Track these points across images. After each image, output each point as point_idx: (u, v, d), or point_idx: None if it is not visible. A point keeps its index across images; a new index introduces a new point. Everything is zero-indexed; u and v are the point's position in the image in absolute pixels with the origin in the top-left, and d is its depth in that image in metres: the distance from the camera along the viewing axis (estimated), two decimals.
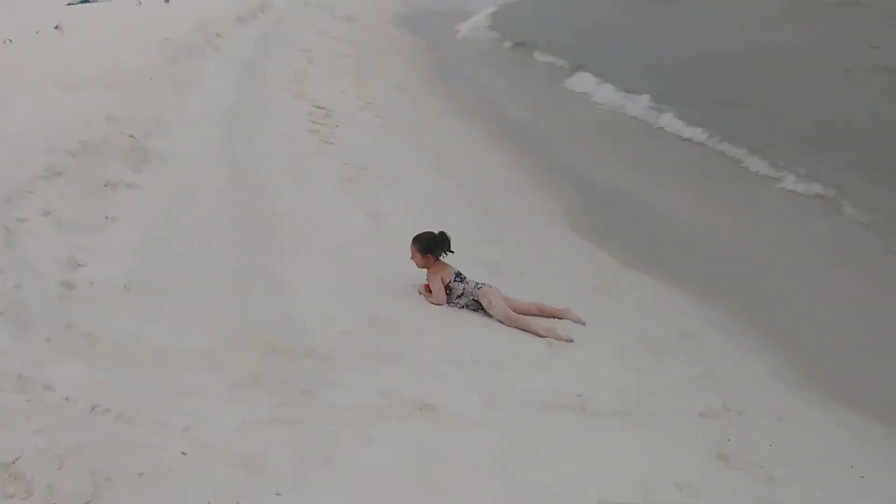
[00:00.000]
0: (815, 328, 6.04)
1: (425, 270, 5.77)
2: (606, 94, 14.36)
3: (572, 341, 5.34)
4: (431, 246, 5.69)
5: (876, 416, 4.83)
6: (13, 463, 2.93)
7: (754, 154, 10.27)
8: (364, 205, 7.62)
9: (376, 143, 10.23)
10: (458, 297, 5.63)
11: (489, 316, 5.55)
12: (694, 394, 4.86)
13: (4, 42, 12.34)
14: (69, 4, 24.27)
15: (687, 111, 12.36)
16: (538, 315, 5.61)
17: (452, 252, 5.75)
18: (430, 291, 5.69)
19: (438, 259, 5.72)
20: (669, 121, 12.21)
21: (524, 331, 5.39)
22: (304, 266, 5.90)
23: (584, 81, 15.45)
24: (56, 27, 14.09)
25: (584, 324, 5.64)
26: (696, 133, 11.43)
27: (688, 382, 5.02)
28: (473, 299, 5.59)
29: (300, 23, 21.89)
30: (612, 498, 3.65)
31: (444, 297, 5.62)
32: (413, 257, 5.75)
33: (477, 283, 5.66)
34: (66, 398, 3.47)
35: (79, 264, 4.87)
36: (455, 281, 5.64)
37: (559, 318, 5.64)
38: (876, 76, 13.73)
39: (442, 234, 5.72)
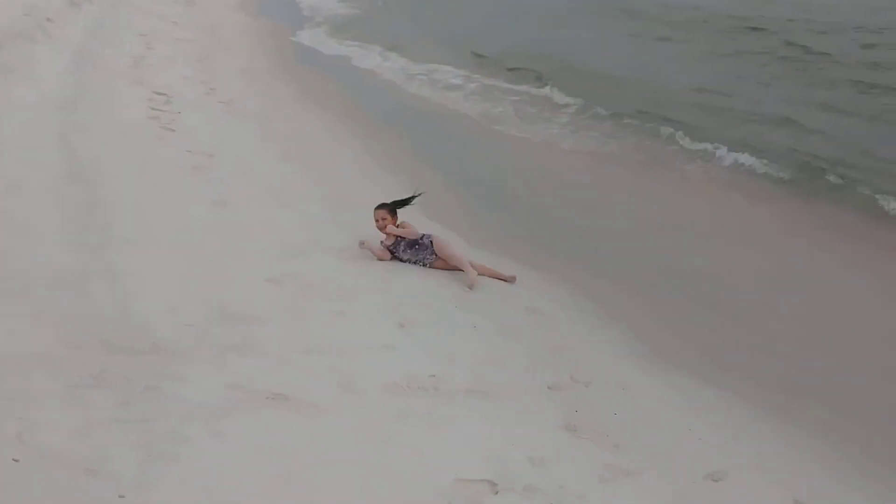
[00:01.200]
0: (655, 302, 6.35)
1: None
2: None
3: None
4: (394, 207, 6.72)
5: (709, 382, 5.13)
6: None
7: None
8: (210, 193, 7.38)
9: (221, 129, 9.93)
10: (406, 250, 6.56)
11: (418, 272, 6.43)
12: (543, 369, 5.00)
13: None
14: None
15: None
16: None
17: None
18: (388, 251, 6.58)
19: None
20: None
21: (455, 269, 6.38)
22: (146, 258, 5.65)
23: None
24: None
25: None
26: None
27: (537, 358, 5.16)
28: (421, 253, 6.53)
29: (138, 7, 20.89)
30: (467, 475, 3.70)
31: (415, 231, 6.59)
32: (382, 222, 6.59)
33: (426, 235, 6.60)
34: None
35: None
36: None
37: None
38: None
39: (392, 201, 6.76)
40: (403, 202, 6.79)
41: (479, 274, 6.36)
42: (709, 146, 10.20)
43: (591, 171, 9.93)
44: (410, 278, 6.29)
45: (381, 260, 6.53)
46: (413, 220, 6.83)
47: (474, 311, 5.77)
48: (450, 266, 6.47)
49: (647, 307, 6.23)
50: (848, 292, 6.66)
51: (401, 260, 6.59)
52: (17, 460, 3.10)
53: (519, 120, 12.16)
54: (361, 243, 6.60)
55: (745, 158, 9.73)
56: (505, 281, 6.42)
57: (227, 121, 10.39)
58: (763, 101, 12.63)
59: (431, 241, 6.55)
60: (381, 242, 6.63)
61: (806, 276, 6.97)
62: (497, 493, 3.63)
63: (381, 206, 6.70)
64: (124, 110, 9.71)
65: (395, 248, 6.60)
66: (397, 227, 6.65)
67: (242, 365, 4.36)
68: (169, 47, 15.42)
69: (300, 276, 5.83)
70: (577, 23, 20.35)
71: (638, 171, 9.89)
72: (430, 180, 8.69)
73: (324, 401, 4.12)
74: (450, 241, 6.68)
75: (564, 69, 14.91)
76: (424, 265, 6.54)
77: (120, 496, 3.04)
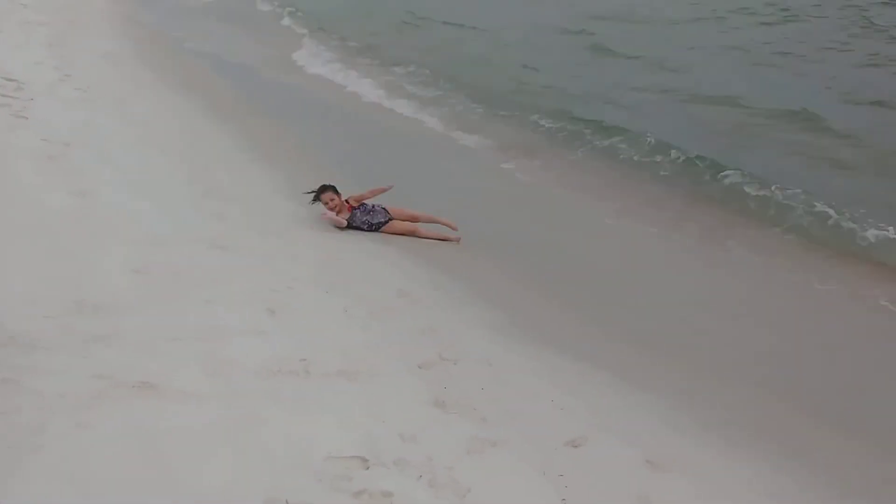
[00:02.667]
0: (519, 280, 6.61)
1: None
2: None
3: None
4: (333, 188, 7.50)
5: (568, 354, 5.41)
6: None
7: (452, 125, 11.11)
8: (68, 183, 7.10)
9: (79, 117, 9.53)
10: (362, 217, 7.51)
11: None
12: (413, 348, 5.13)
13: None
14: None
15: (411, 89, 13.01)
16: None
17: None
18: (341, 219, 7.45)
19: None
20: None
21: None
22: (1, 250, 5.41)
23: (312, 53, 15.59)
24: None
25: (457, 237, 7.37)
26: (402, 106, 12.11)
27: (407, 338, 5.28)
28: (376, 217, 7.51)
29: None
30: (338, 453, 3.78)
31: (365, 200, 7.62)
32: (331, 203, 7.41)
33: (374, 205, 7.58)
34: None
35: None
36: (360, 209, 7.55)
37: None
38: None
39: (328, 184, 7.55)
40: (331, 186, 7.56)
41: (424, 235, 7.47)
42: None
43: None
44: (280, 265, 6.28)
45: (339, 228, 7.42)
46: (282, 205, 6.84)
47: (346, 296, 5.84)
48: (400, 230, 7.47)
49: (511, 285, 6.48)
50: (695, 269, 7.16)
51: (356, 227, 7.49)
52: None
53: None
54: (323, 214, 7.43)
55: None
56: (449, 240, 7.39)
57: (84, 108, 9.99)
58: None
59: (384, 208, 7.52)
60: (338, 215, 7.46)
61: (657, 256, 7.45)
62: (368, 468, 3.72)
63: (326, 189, 7.48)
64: None
65: (351, 219, 7.50)
66: (348, 200, 7.57)
67: (107, 355, 4.26)
68: (18, 30, 14.64)
69: (165, 265, 5.72)
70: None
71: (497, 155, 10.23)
72: (295, 164, 8.71)
73: (191, 387, 4.10)
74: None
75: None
76: (376, 230, 7.49)
77: None
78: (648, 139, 9.93)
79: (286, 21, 19.84)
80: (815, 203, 7.95)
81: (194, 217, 6.95)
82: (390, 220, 7.54)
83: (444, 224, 7.46)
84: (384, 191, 7.70)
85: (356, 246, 7.12)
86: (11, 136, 8.19)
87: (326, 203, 7.45)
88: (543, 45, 15.57)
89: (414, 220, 7.56)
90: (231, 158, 9.12)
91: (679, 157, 9.38)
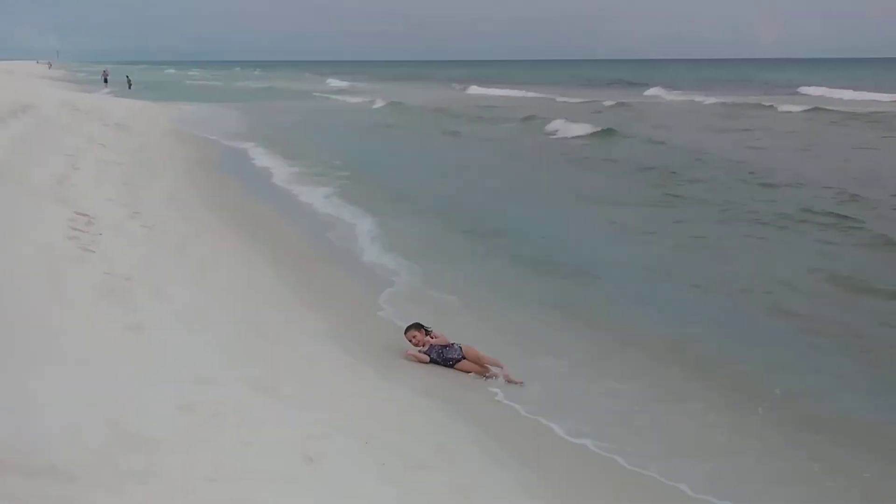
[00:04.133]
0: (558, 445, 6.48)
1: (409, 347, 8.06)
2: None
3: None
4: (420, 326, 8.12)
5: None
6: None
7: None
8: (124, 316, 7.31)
9: (141, 253, 9.91)
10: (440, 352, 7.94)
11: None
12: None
13: None
14: None
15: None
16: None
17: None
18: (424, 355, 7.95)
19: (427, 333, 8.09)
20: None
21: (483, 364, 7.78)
22: (52, 378, 5.53)
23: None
24: None
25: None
26: None
27: (441, 497, 5.18)
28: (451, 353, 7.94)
29: (67, 127, 21.09)
30: None
31: (445, 338, 8.04)
32: (415, 339, 8.01)
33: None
34: None
35: None
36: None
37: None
38: None
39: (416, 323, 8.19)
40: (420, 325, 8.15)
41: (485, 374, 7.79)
42: None
43: None
44: (320, 411, 6.28)
45: (421, 362, 7.91)
46: (325, 351, 6.88)
47: (383, 448, 5.79)
48: (470, 368, 7.84)
49: (547, 446, 6.37)
50: None
51: (433, 361, 7.93)
52: None
53: None
54: (408, 352, 7.99)
55: None
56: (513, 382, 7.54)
57: (147, 245, 10.39)
58: None
59: (460, 346, 7.94)
60: (419, 351, 7.99)
61: None
62: None
63: (412, 328, 8.11)
64: (43, 229, 9.66)
65: (429, 352, 7.96)
66: (432, 338, 8.04)
67: (142, 493, 4.26)
68: (95, 168, 15.51)
69: (209, 403, 5.78)
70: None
71: None
72: (345, 310, 8.84)
73: None
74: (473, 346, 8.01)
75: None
76: (450, 365, 7.90)
77: None
78: None
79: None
80: None
81: (241, 357, 7.04)
82: (462, 358, 7.90)
83: (507, 378, 7.58)
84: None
85: (397, 396, 7.10)
86: (77, 268, 8.53)
87: (410, 340, 8.03)
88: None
89: (481, 362, 7.85)
90: (282, 301, 9.30)
91: None
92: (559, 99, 50.83)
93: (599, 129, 27.63)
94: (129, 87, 61.52)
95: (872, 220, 13.71)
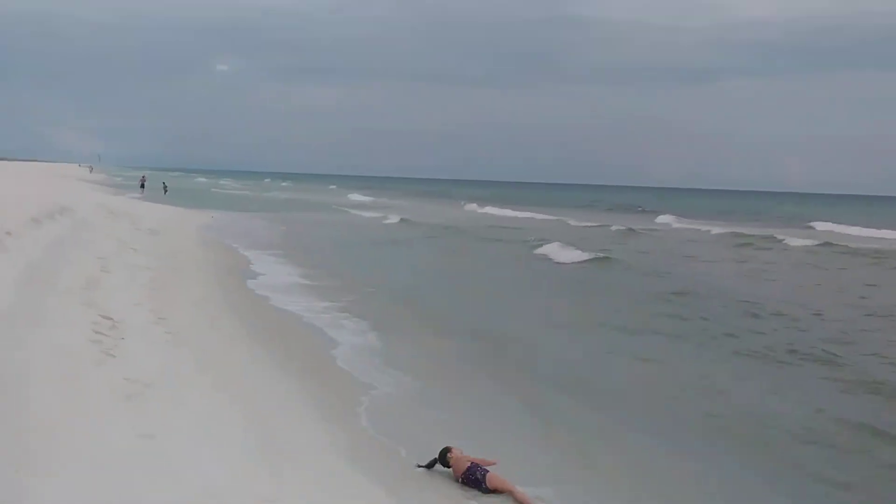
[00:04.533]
0: None
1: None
2: None
3: None
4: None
5: None
6: None
7: None
8: (139, 424, 7.25)
9: (162, 359, 9.90)
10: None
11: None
12: None
13: None
14: None
15: None
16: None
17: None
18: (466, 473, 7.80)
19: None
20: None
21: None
22: (61, 486, 5.46)
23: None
24: None
25: None
26: None
27: None
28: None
29: (101, 230, 21.54)
30: None
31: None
32: (455, 461, 7.90)
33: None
34: None
35: None
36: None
37: None
38: None
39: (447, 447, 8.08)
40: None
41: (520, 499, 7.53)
42: None
43: None
44: None
45: (505, 489, 7.62)
46: (339, 468, 6.70)
47: None
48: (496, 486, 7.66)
49: None
50: None
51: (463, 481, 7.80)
52: None
53: None
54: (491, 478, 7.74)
55: None
56: None
57: (169, 351, 10.39)
58: None
59: (486, 469, 7.78)
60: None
61: None
62: None
63: (447, 451, 8.00)
64: (67, 330, 9.73)
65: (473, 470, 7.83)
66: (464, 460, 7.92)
67: None
68: (124, 272, 15.71)
69: None
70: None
71: None
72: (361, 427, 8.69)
73: None
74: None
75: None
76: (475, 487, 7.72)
77: None
78: None
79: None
80: None
81: (251, 472, 6.91)
82: (486, 473, 7.72)
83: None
84: (491, 463, 7.95)
85: None
86: (97, 372, 8.53)
87: (454, 461, 7.91)
88: None
89: (506, 489, 7.66)
90: (299, 414, 9.17)
91: None
92: (572, 222, 51.59)
93: (595, 255, 27.19)
94: (165, 193, 63.09)
95: (861, 361, 13.29)
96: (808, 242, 37.30)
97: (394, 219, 45.80)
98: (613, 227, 45.70)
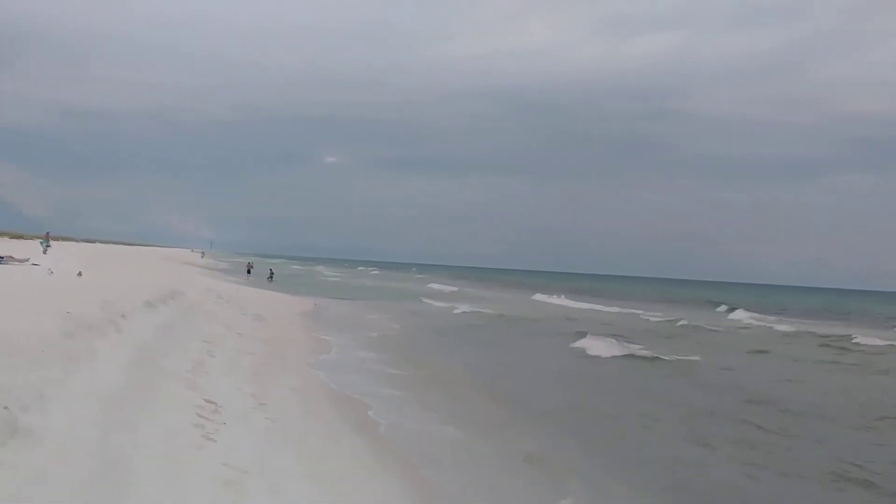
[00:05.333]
0: None
1: None
2: None
3: None
4: None
5: None
6: None
7: None
8: None
9: (262, 446, 9.93)
10: None
11: None
12: None
13: None
14: None
15: None
16: None
17: None
18: None
19: None
20: None
21: None
22: None
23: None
24: None
25: None
26: None
27: None
28: None
29: (208, 315, 22.19)
30: None
31: None
32: None
33: None
34: None
35: None
36: None
37: None
38: None
39: None
40: None
41: None
42: None
43: None
44: None
45: None
46: None
47: None
48: None
49: None
50: None
51: None
52: None
53: None
54: None
55: None
56: None
57: (268, 438, 10.44)
58: None
59: None
60: None
61: None
62: None
63: None
64: (171, 414, 9.91)
65: None
66: None
67: None
68: (229, 357, 16.06)
69: None
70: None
71: None
72: None
73: None
74: None
75: None
76: None
77: None
78: None
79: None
80: None
81: None
82: None
83: None
84: None
85: None
86: (197, 456, 8.61)
87: None
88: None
89: None
90: None
91: None
92: (642, 315, 51.05)
93: (631, 352, 26.27)
94: (270, 280, 64.98)
95: None
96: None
97: (462, 309, 46.50)
98: (681, 322, 44.22)
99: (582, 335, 29.97)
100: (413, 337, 29.34)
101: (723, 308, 66.26)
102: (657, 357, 25.58)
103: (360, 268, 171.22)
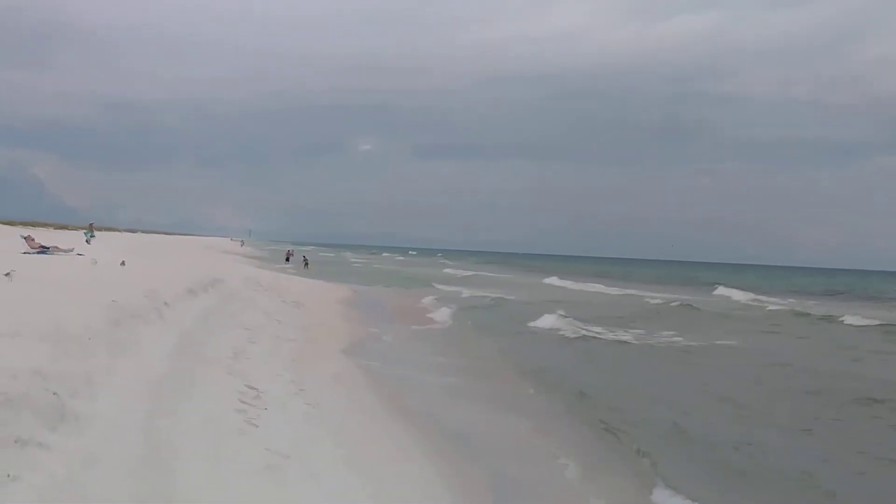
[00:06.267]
0: None
1: None
2: None
3: None
4: None
5: None
6: None
7: None
8: (277, 496, 7.41)
9: (302, 431, 10.12)
10: None
11: None
12: None
13: None
14: (25, 253, 24.85)
15: None
16: None
17: None
18: None
19: None
20: None
21: None
22: None
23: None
24: (6, 274, 14.28)
25: None
26: None
27: None
28: None
29: (248, 302, 22.49)
30: None
31: None
32: None
33: None
34: None
35: None
36: None
37: None
38: None
39: None
40: None
41: None
42: None
43: None
44: None
45: None
46: None
47: None
48: None
49: None
50: None
51: None
52: None
53: None
54: None
55: None
56: None
57: (308, 424, 10.62)
58: None
59: None
60: None
61: None
62: None
63: None
64: (214, 400, 10.12)
65: None
66: None
67: None
68: (269, 343, 16.31)
69: None
70: None
71: None
72: None
73: None
74: None
75: None
76: None
77: None
78: None
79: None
80: None
81: None
82: None
83: None
84: None
85: None
86: (240, 441, 8.81)
87: None
88: None
89: None
90: (432, 496, 9.11)
91: None
92: (638, 295, 52.43)
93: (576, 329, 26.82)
94: (306, 267, 65.59)
95: None
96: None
97: (469, 293, 46.10)
98: (673, 303, 43.40)
99: (548, 313, 30.43)
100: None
101: (721, 289, 65.70)
102: (595, 336, 26.01)
103: (385, 254, 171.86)
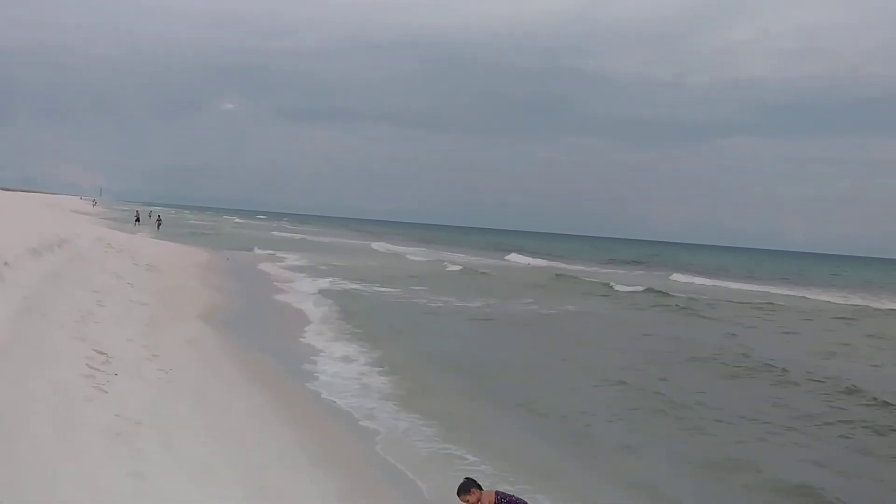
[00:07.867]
0: None
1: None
2: None
3: None
4: (473, 484, 6.95)
5: None
6: None
7: None
8: (128, 464, 7.19)
9: (155, 397, 9.84)
10: None
11: None
12: None
13: None
14: None
15: None
16: None
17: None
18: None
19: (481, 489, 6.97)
20: None
21: None
22: None
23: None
24: None
25: None
26: None
27: None
28: None
29: (98, 264, 21.51)
30: None
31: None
32: (471, 498, 6.86)
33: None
34: None
35: None
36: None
37: None
38: None
39: (467, 478, 7.08)
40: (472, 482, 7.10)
41: None
42: None
43: None
44: None
45: None
46: None
47: None
48: None
49: None
50: None
51: None
52: None
53: None
54: None
55: None
56: None
57: (161, 389, 10.33)
58: None
59: (526, 501, 7.11)
60: None
61: None
62: None
63: (469, 486, 6.97)
64: (60, 365, 9.68)
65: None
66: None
67: None
68: (120, 307, 15.67)
69: None
70: None
71: None
72: (351, 472, 8.58)
73: None
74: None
75: None
76: None
77: None
78: None
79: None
80: None
81: None
82: None
83: None
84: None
85: None
86: (87, 408, 8.47)
87: (466, 500, 7.01)
88: None
89: None
90: (290, 459, 9.07)
91: None
92: (437, 260, 53.30)
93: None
94: (158, 228, 63.03)
95: None
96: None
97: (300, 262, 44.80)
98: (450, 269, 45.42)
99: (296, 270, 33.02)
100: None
101: (512, 255, 69.81)
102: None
103: (229, 217, 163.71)
